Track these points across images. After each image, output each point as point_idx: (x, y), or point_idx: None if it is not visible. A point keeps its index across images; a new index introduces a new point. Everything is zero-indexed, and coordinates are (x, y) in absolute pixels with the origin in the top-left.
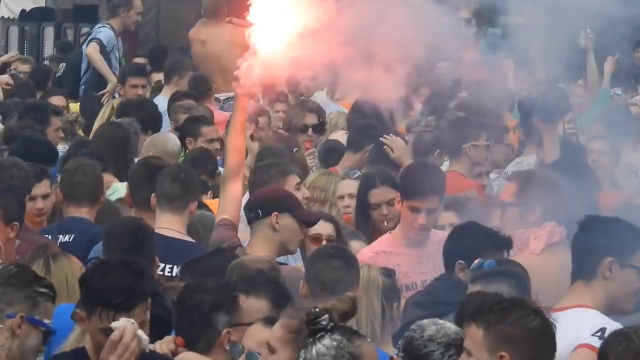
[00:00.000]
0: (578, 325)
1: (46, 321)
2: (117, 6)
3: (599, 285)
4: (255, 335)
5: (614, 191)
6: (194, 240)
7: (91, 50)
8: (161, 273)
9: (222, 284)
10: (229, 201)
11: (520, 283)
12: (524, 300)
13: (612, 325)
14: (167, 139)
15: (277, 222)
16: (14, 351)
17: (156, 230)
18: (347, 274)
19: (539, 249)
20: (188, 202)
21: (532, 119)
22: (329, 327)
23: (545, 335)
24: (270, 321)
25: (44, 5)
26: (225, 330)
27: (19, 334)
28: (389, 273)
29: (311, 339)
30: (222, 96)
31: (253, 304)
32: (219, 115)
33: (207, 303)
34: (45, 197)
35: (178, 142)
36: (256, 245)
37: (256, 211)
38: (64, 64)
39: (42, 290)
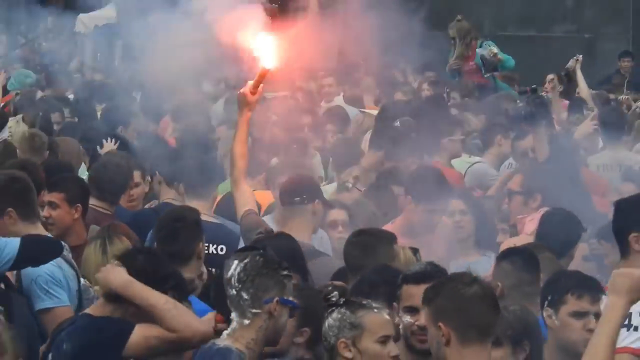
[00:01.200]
0: None
1: (291, 299)
2: None
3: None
4: None
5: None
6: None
7: None
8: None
9: None
10: (246, 196)
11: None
12: (463, 273)
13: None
14: None
15: (317, 208)
16: (269, 330)
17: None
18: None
19: (530, 229)
20: (212, 191)
21: (519, 124)
22: (340, 302)
23: (482, 301)
24: None
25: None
26: None
27: (275, 315)
28: (415, 250)
29: (326, 314)
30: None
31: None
32: None
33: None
34: (136, 185)
35: None
36: (296, 228)
37: (302, 196)
38: None
39: (285, 272)
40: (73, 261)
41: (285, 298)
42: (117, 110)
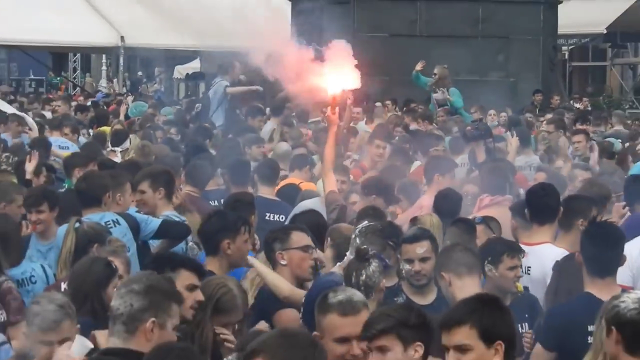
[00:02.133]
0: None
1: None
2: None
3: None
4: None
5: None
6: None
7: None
8: (269, 219)
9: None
10: (331, 182)
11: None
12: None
13: None
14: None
15: None
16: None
17: (262, 195)
18: None
19: (485, 203)
20: (276, 180)
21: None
22: (371, 254)
23: (463, 250)
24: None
25: (199, 70)
26: (278, 252)
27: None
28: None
29: (366, 264)
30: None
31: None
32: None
33: (267, 234)
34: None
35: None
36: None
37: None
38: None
39: (391, 242)
40: None
41: (381, 255)
42: (203, 131)
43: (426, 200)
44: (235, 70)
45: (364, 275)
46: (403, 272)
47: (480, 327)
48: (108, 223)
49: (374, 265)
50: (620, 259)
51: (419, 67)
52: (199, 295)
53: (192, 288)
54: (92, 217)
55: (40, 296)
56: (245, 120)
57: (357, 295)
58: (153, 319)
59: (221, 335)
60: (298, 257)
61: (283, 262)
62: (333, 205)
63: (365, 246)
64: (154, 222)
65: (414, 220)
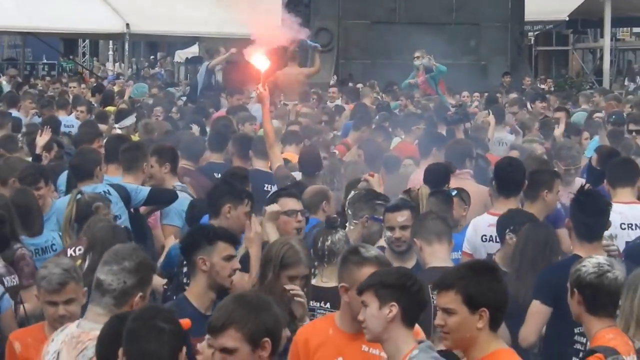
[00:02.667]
0: None
1: (376, 216)
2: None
3: None
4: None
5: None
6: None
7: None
8: (267, 189)
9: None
10: (277, 156)
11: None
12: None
13: None
14: None
15: None
16: (363, 237)
17: (259, 169)
18: None
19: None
20: (268, 155)
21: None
22: (339, 225)
23: (436, 218)
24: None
25: (197, 54)
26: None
27: (367, 227)
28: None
29: (333, 231)
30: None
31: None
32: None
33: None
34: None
35: None
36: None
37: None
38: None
39: (379, 202)
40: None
41: (375, 217)
42: (200, 109)
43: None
44: (221, 54)
45: (329, 241)
46: (385, 238)
47: (466, 293)
48: (100, 194)
49: (340, 233)
50: (606, 225)
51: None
52: (235, 264)
53: (229, 258)
54: (86, 188)
55: (48, 261)
56: (226, 99)
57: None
58: (141, 293)
59: (291, 292)
60: (282, 220)
61: None
62: (288, 179)
63: (334, 215)
64: (144, 191)
65: (407, 192)
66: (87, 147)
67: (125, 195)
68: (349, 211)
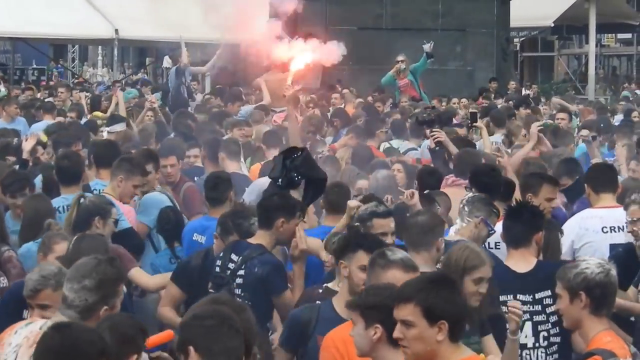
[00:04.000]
0: None
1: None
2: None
3: None
4: None
5: None
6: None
7: None
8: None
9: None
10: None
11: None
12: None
13: None
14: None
15: None
16: (473, 237)
17: (235, 172)
18: None
19: (449, 182)
20: (240, 159)
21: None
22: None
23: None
24: None
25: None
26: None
27: (478, 228)
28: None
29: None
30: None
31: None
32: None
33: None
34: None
35: None
36: None
37: None
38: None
39: (495, 210)
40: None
41: (487, 221)
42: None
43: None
44: (182, 57)
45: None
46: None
47: (425, 305)
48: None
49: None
50: (529, 233)
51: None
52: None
53: (363, 269)
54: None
55: (38, 266)
56: (225, 106)
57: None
58: (105, 307)
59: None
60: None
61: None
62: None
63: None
64: (125, 223)
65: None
66: (71, 150)
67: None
68: (465, 208)
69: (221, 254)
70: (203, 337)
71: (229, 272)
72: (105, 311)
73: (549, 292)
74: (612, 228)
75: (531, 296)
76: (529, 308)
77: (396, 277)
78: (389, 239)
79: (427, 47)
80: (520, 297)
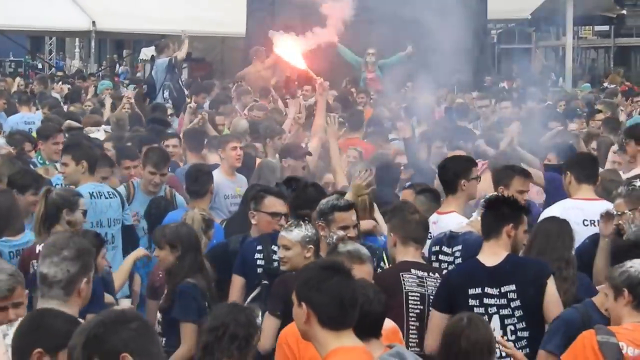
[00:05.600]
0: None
1: None
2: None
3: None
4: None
5: None
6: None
7: None
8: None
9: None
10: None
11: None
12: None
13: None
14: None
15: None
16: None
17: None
18: None
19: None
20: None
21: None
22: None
23: (419, 222)
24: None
25: None
26: (250, 211)
27: None
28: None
29: (300, 224)
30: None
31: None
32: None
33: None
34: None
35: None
36: None
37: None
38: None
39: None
40: None
41: None
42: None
43: None
44: (170, 50)
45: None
46: (334, 238)
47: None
48: (109, 193)
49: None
50: (500, 226)
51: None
52: None
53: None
54: (95, 186)
55: None
56: (190, 98)
57: (364, 249)
58: (85, 278)
59: None
60: (265, 221)
61: (254, 221)
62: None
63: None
64: (129, 219)
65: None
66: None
67: (123, 203)
68: (483, 203)
69: (258, 246)
70: (135, 341)
71: (275, 263)
72: (85, 284)
73: (513, 287)
74: (592, 221)
75: (497, 290)
76: (496, 302)
77: None
78: (351, 232)
79: (408, 50)
80: (488, 290)
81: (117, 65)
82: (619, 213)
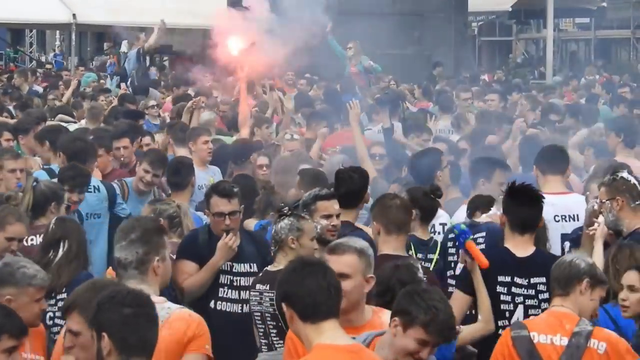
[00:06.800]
0: None
1: None
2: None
3: None
4: None
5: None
6: None
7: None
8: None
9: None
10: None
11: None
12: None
13: None
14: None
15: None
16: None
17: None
18: None
19: None
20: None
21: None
22: (287, 213)
23: (399, 208)
24: None
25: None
26: (204, 211)
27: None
28: None
29: (278, 220)
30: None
31: (216, 202)
32: None
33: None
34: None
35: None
36: None
37: None
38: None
39: None
40: None
41: None
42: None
43: None
44: (140, 41)
45: (273, 230)
46: (318, 228)
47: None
48: (89, 188)
49: (285, 222)
50: (539, 217)
51: None
52: None
53: None
54: None
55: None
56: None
57: (353, 241)
58: (157, 257)
59: None
60: (213, 221)
61: (208, 222)
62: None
63: (283, 204)
64: (125, 210)
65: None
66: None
67: (112, 197)
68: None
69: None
70: (119, 326)
71: None
72: (158, 262)
73: (543, 279)
74: (564, 217)
75: (527, 280)
76: (524, 292)
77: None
78: (335, 221)
79: (367, 65)
80: (517, 279)
81: (90, 61)
82: (603, 201)
